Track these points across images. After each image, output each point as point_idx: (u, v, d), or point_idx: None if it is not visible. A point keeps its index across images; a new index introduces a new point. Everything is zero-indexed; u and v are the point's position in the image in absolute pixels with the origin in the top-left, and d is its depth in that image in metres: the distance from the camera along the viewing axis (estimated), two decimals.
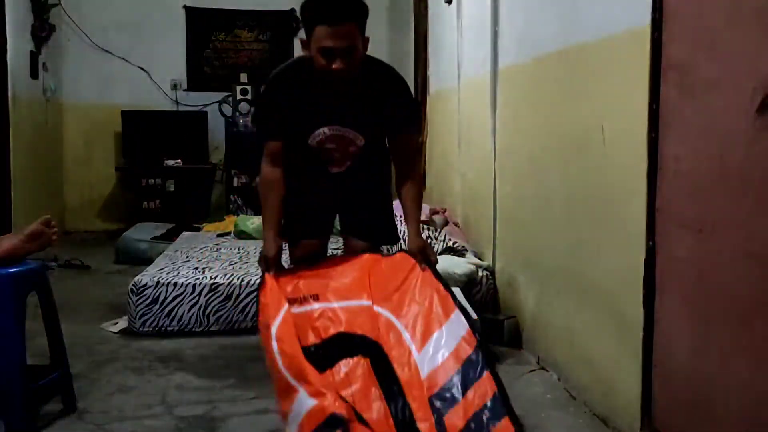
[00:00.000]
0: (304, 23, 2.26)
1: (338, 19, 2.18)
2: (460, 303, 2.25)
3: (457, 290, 3.41)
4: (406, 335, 2.22)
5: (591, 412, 2.58)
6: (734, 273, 1.79)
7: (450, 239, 4.00)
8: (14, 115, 5.61)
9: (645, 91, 2.18)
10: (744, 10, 1.75)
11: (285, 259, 2.45)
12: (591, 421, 2.52)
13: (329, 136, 2.41)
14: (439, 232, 4.07)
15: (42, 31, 6.21)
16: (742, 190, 1.76)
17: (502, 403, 2.00)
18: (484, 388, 2.02)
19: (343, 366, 2.14)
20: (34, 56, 6.13)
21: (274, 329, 2.21)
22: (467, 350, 2.10)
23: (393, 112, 2.41)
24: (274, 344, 2.17)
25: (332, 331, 2.29)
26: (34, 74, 6.11)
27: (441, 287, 2.29)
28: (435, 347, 2.15)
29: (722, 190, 1.84)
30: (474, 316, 3.20)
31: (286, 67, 2.42)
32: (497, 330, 3.34)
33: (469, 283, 3.65)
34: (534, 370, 3.04)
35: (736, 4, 1.79)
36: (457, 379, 2.06)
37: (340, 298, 2.36)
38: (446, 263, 3.69)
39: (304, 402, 2.02)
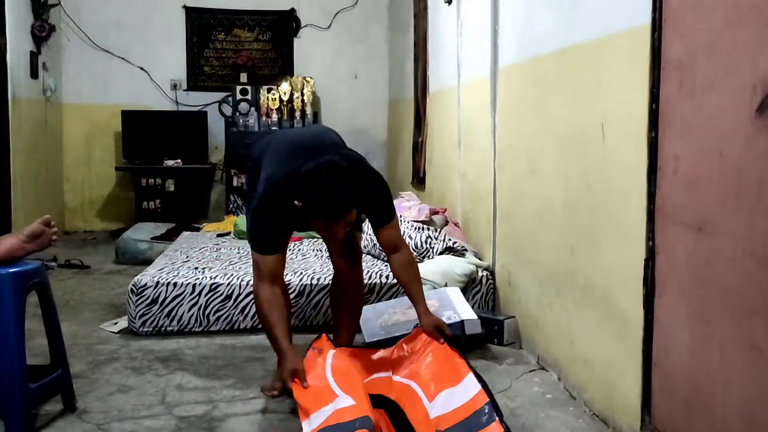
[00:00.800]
0: (303, 207, 2.37)
1: (339, 219, 2.36)
2: (475, 369, 2.36)
3: (456, 290, 3.43)
4: (420, 392, 2.40)
5: (591, 411, 2.58)
6: (734, 272, 1.79)
7: (450, 239, 4.00)
8: (14, 115, 5.61)
9: (645, 91, 2.18)
10: (743, 9, 1.75)
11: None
12: (591, 420, 2.52)
13: None
14: (439, 232, 4.06)
15: (42, 31, 6.21)
16: (742, 189, 1.76)
17: None
18: None
19: None
20: (34, 56, 6.13)
21: (331, 352, 2.49)
22: (476, 405, 2.19)
23: (374, 211, 2.63)
24: (329, 361, 2.43)
25: None
26: (34, 74, 6.11)
27: (457, 355, 2.46)
28: (444, 399, 2.29)
29: (722, 189, 1.84)
30: (474, 315, 3.21)
31: (281, 185, 2.49)
32: (497, 330, 3.34)
33: (469, 282, 3.65)
34: (534, 370, 3.04)
35: (735, 3, 1.79)
36: (464, 423, 2.16)
37: (367, 375, 2.58)
38: (446, 263, 3.70)
39: (342, 401, 2.14)
